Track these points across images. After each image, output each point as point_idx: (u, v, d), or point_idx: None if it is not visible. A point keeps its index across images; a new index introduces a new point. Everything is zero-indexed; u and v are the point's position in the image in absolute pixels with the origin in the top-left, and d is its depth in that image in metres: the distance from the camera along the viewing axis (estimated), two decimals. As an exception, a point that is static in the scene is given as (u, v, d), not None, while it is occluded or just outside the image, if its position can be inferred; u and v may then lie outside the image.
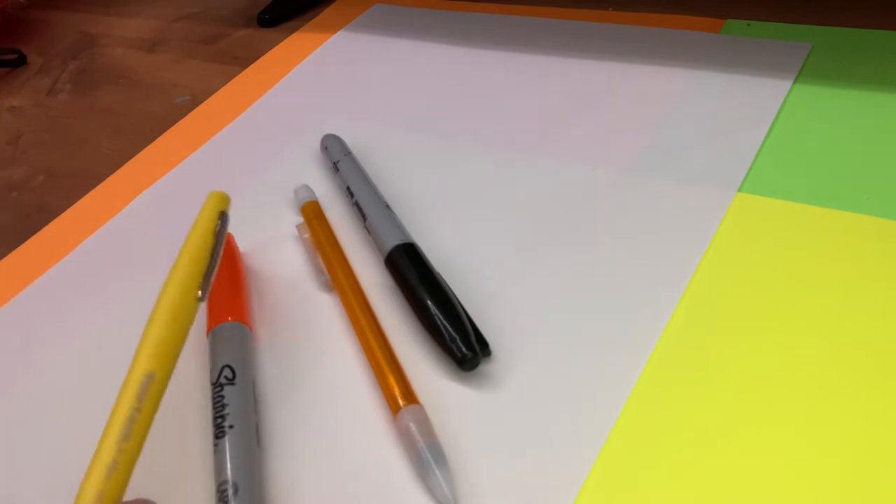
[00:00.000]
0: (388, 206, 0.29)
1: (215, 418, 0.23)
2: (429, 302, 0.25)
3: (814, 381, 0.22)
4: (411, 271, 0.26)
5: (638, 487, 0.21)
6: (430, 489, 0.21)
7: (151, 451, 0.24)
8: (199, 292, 0.21)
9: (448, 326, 0.24)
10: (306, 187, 0.32)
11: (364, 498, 0.22)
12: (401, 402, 0.23)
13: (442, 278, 0.26)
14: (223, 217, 0.23)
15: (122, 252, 0.32)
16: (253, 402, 0.24)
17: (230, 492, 0.21)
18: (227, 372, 0.24)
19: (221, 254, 0.23)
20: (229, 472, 0.21)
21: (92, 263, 0.32)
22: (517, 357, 0.24)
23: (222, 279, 0.28)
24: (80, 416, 0.26)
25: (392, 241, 0.27)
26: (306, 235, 0.29)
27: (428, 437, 0.22)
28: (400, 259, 0.27)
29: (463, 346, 0.24)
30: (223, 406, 0.23)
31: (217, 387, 0.24)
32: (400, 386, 0.23)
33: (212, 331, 0.26)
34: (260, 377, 0.26)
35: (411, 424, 0.22)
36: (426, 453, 0.21)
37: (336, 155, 0.33)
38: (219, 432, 0.22)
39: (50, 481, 0.24)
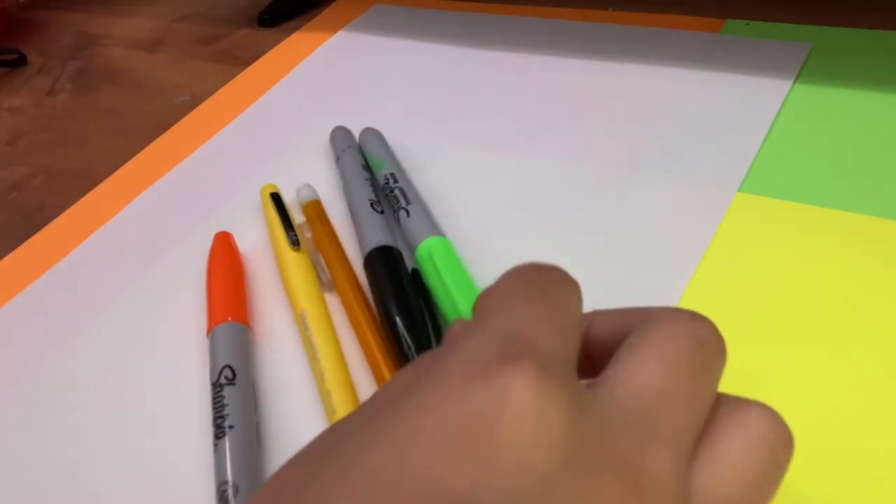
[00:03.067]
0: (373, 205, 0.29)
1: (215, 418, 0.23)
2: (391, 306, 0.25)
3: (814, 380, 0.22)
4: (383, 276, 0.26)
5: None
6: None
7: (151, 451, 0.24)
8: (290, 243, 0.28)
9: (406, 335, 0.24)
10: (308, 186, 0.32)
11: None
12: None
13: (412, 284, 0.26)
14: (273, 195, 0.31)
15: (122, 252, 0.32)
16: (253, 403, 0.24)
17: (230, 492, 0.21)
18: (227, 372, 0.24)
19: (289, 211, 0.30)
20: (229, 473, 0.21)
21: (92, 264, 0.32)
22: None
23: (221, 279, 0.28)
24: (81, 416, 0.26)
25: (370, 244, 0.27)
26: (308, 235, 0.29)
27: None
28: (375, 262, 0.27)
29: (417, 355, 0.23)
30: (223, 406, 0.23)
31: (217, 387, 0.24)
32: None
33: (212, 331, 0.26)
34: (260, 377, 0.26)
35: None
36: None
37: (338, 149, 0.33)
38: (219, 432, 0.22)
39: (51, 480, 0.24)
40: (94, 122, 0.42)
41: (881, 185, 0.28)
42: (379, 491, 0.13)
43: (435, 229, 0.27)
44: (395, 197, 0.29)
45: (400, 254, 0.27)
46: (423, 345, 0.24)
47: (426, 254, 0.26)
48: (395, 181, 0.30)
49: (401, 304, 0.25)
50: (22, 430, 0.26)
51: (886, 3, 0.37)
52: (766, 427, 0.15)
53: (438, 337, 0.24)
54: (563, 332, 0.16)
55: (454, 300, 0.25)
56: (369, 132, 0.33)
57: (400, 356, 0.24)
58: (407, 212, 0.28)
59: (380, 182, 0.31)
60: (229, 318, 0.26)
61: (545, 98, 0.35)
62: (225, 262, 0.29)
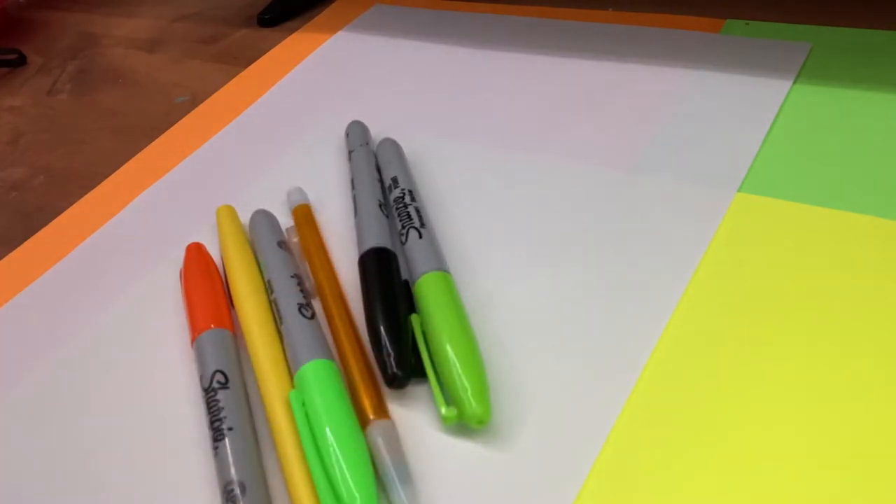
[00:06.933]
0: (380, 206, 0.29)
1: (212, 422, 0.23)
2: (376, 308, 0.25)
3: (814, 380, 0.22)
4: (374, 277, 0.26)
5: (634, 497, 0.21)
6: None
7: (141, 461, 0.24)
8: None
9: (388, 340, 0.24)
10: (299, 190, 0.31)
11: None
12: (370, 416, 0.22)
13: (405, 291, 0.26)
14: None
15: (122, 252, 0.32)
16: (247, 406, 0.24)
17: (237, 491, 0.21)
18: (219, 377, 0.24)
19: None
20: (234, 473, 0.21)
21: (92, 264, 0.32)
22: (513, 357, 0.24)
23: (199, 288, 0.28)
24: (81, 416, 0.26)
25: (368, 243, 0.27)
26: (295, 240, 0.29)
27: (395, 455, 0.21)
28: (369, 262, 0.27)
29: (395, 364, 0.23)
30: (219, 409, 0.23)
31: (210, 391, 0.23)
32: (371, 399, 0.23)
33: (196, 339, 0.26)
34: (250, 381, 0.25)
35: (379, 440, 0.22)
36: (391, 471, 0.21)
37: (352, 144, 0.33)
38: (217, 435, 0.22)
39: (50, 481, 0.24)
40: (94, 122, 0.42)
41: (881, 185, 0.28)
42: None
43: (439, 262, 0.26)
44: (409, 215, 0.28)
45: (396, 259, 0.27)
46: (402, 350, 0.24)
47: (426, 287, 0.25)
48: (412, 199, 0.29)
49: (386, 307, 0.25)
50: (21, 430, 0.26)
51: (886, 3, 0.37)
52: None
53: (416, 347, 0.24)
54: None
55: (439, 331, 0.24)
56: (387, 142, 0.33)
57: (377, 362, 0.24)
58: (419, 233, 0.27)
59: (391, 193, 0.30)
60: (212, 326, 0.26)
61: (545, 98, 0.35)
62: (199, 272, 0.28)
